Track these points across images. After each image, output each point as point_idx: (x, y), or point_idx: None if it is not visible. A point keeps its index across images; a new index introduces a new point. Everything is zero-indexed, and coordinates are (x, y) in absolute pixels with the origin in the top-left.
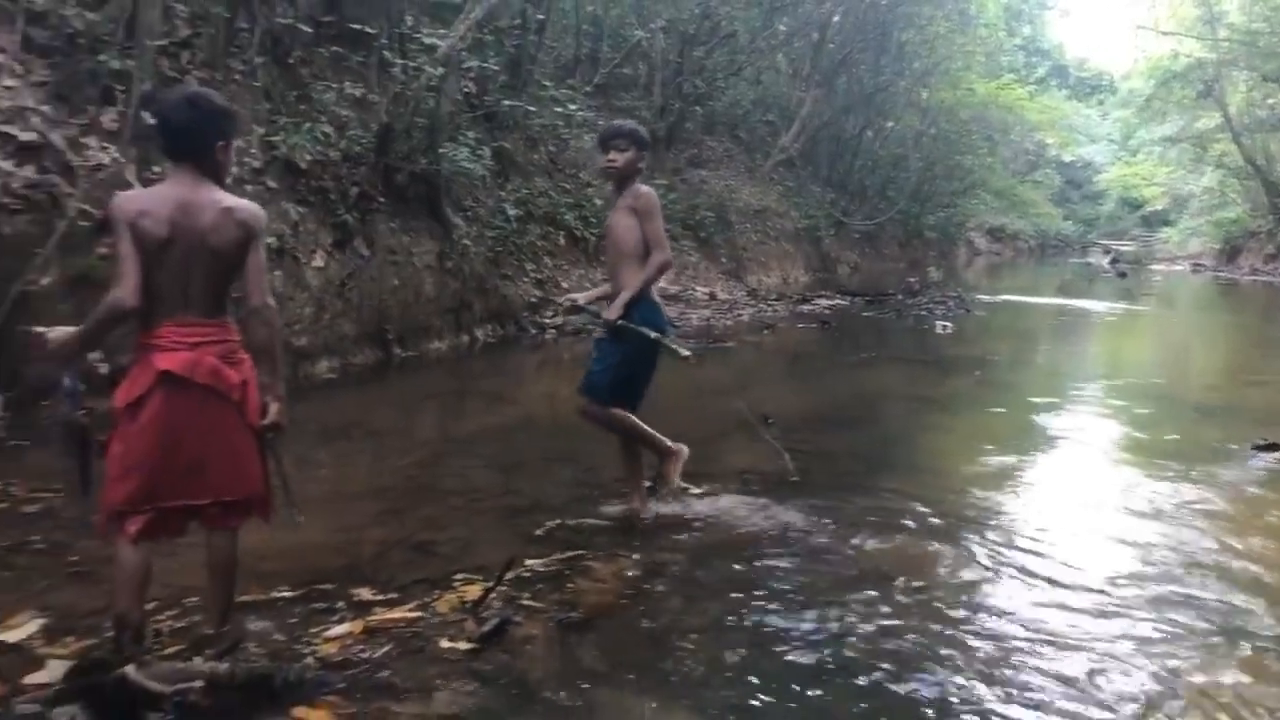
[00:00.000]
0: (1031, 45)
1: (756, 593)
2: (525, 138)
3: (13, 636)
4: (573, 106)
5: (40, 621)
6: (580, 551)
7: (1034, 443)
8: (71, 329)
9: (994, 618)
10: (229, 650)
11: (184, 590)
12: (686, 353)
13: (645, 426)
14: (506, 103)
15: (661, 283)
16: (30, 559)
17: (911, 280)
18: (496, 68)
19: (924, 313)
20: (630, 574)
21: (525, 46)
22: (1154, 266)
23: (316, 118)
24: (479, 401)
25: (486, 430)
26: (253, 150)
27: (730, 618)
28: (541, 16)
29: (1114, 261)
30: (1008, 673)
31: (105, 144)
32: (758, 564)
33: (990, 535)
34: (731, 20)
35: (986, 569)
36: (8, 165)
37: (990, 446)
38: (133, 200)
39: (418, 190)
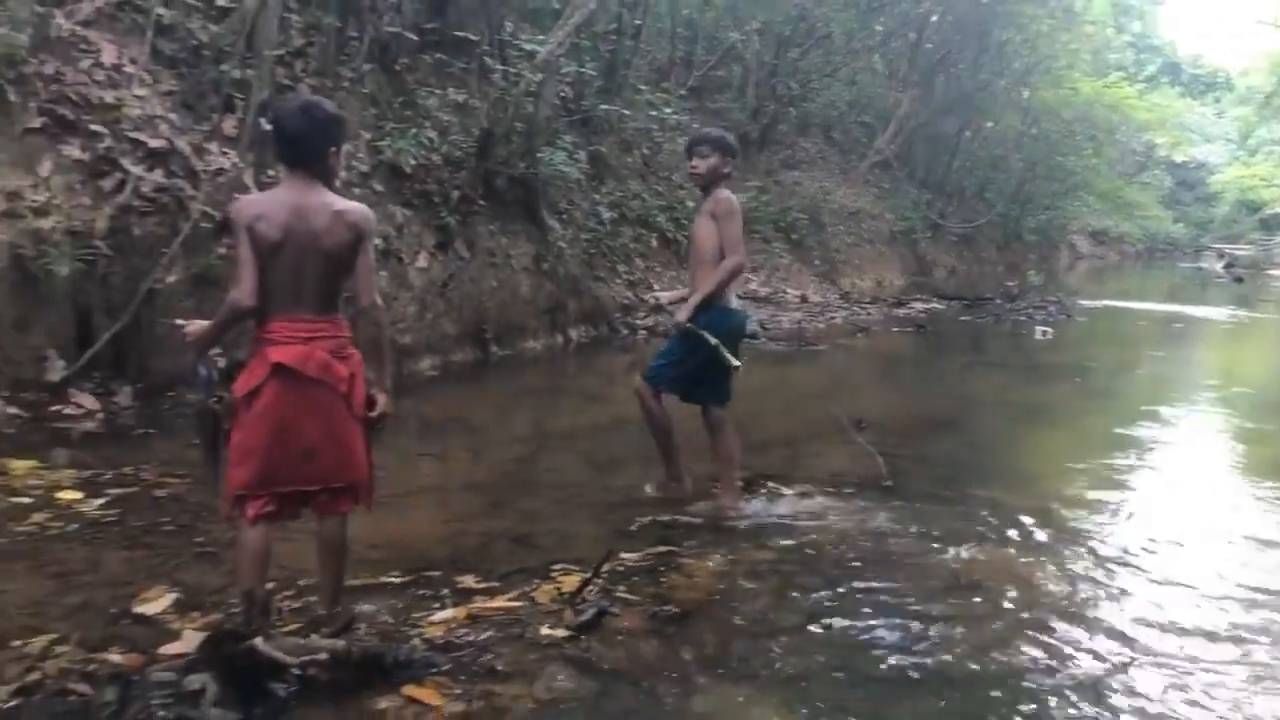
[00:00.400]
0: (1141, 42)
1: (846, 595)
2: (620, 141)
3: (149, 610)
4: (667, 110)
5: (173, 596)
6: (673, 547)
7: (1137, 453)
8: (205, 323)
9: (1093, 635)
10: (343, 629)
11: (299, 572)
12: (736, 364)
13: (675, 443)
14: (603, 107)
15: (753, 284)
16: (162, 539)
17: (1010, 284)
18: (593, 72)
19: (1023, 318)
20: (722, 571)
21: (621, 51)
22: (1273, 272)
23: (421, 123)
24: (573, 400)
25: (580, 428)
26: (360, 155)
27: (820, 619)
28: (638, 21)
29: (1229, 266)
30: (1108, 694)
31: (225, 149)
32: (848, 567)
33: (1089, 548)
34: (827, 22)
35: (1085, 583)
36: (138, 170)
37: (1090, 456)
38: (250, 205)
39: (515, 193)
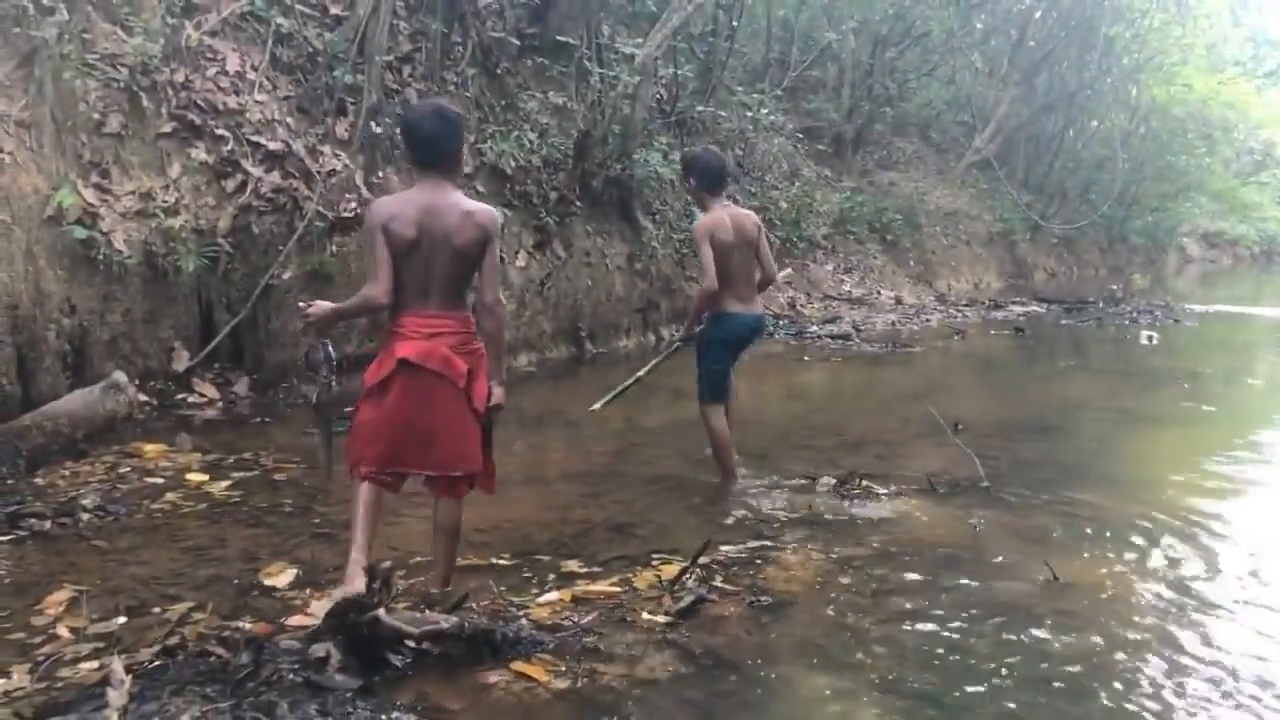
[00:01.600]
0: (1260, 35)
1: (941, 594)
2: (714, 142)
3: (273, 583)
4: (762, 110)
5: (293, 572)
6: (769, 541)
7: (1248, 463)
8: (329, 305)
9: (1197, 647)
10: (455, 606)
11: (410, 553)
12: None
13: (728, 449)
14: (697, 108)
15: (847, 285)
16: (281, 519)
17: (1114, 288)
18: (689, 74)
19: (1127, 322)
20: (818, 565)
21: (716, 52)
22: None
23: (521, 125)
24: (664, 396)
25: (674, 423)
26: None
27: (916, 617)
28: (734, 23)
29: None
30: (1213, 712)
31: (338, 151)
32: (944, 566)
33: (1195, 558)
34: (926, 19)
35: (1189, 594)
36: (258, 171)
37: (1197, 464)
38: (385, 206)
39: (611, 194)
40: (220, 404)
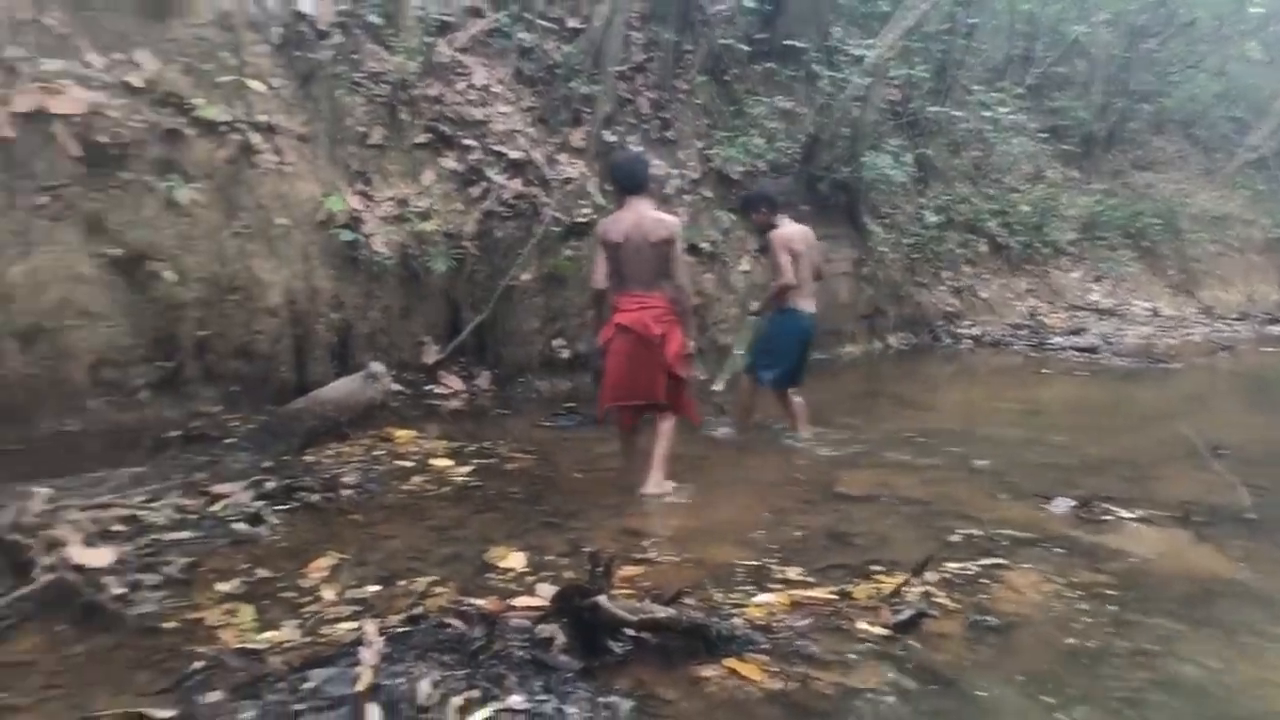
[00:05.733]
0: None
1: (1190, 629)
2: (949, 143)
3: (505, 565)
4: (1003, 109)
5: (523, 556)
6: (998, 561)
7: None
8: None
9: None
10: (672, 600)
11: (634, 547)
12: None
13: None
14: (931, 108)
15: (1095, 295)
16: (513, 505)
17: None
18: (923, 74)
19: None
20: (1051, 589)
21: (952, 51)
22: None
23: (748, 131)
24: (889, 405)
25: (898, 434)
26: (691, 163)
27: (1162, 653)
28: (972, 20)
29: None
30: None
31: (573, 159)
32: (1197, 602)
33: None
34: (1191, 7)
35: None
36: (500, 179)
37: None
38: (604, 223)
39: (838, 198)
40: (463, 396)
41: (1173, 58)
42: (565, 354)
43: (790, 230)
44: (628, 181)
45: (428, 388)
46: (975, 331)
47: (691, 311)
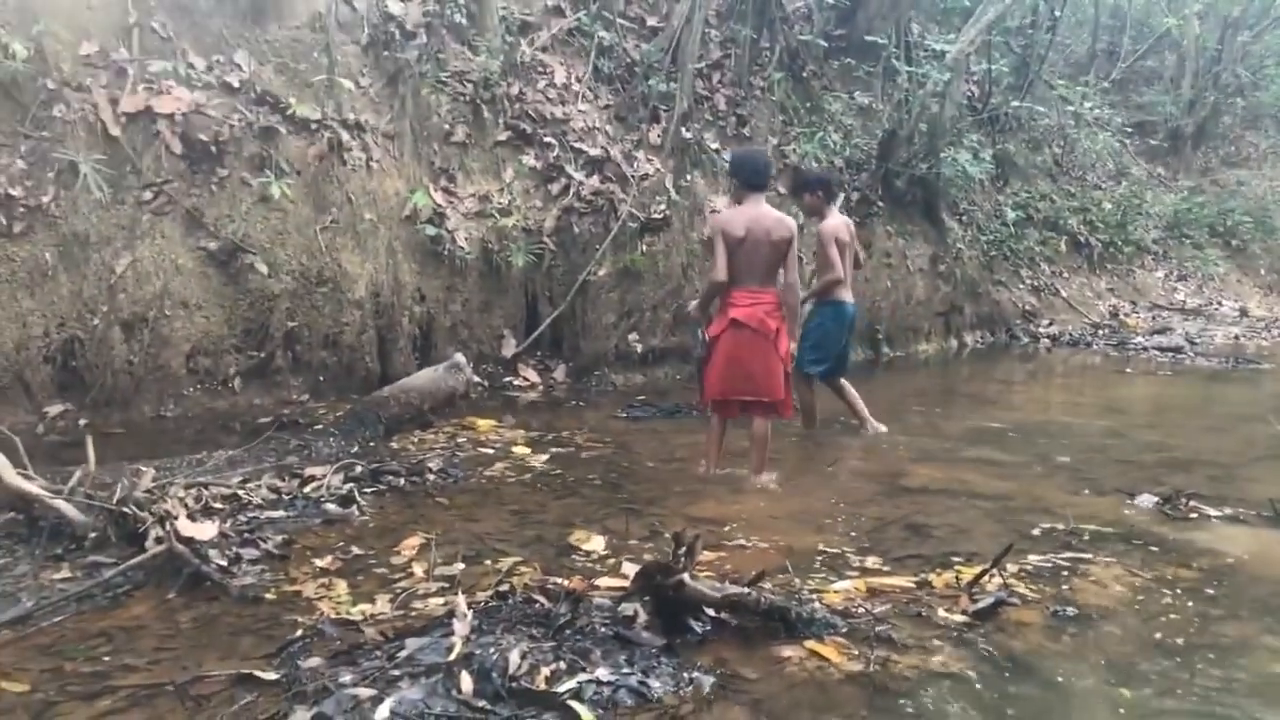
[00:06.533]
0: None
1: None
2: (1029, 139)
3: (586, 547)
4: (1087, 105)
5: (603, 540)
6: (1081, 554)
7: None
8: (694, 302)
9: None
10: (753, 583)
11: (714, 533)
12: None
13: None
14: (1012, 104)
15: (1180, 294)
16: (592, 492)
17: None
18: (1004, 69)
19: None
20: (1135, 584)
21: (1035, 45)
22: None
23: (825, 127)
24: (964, 403)
25: (974, 430)
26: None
27: (1247, 649)
28: (1056, 13)
29: None
30: None
31: (650, 156)
32: None
33: None
34: None
35: None
36: (579, 176)
37: None
38: (723, 217)
39: (915, 194)
40: (541, 388)
41: (1267, 51)
42: (639, 348)
43: (837, 222)
44: (753, 178)
45: (506, 379)
46: (1053, 330)
47: (798, 310)
